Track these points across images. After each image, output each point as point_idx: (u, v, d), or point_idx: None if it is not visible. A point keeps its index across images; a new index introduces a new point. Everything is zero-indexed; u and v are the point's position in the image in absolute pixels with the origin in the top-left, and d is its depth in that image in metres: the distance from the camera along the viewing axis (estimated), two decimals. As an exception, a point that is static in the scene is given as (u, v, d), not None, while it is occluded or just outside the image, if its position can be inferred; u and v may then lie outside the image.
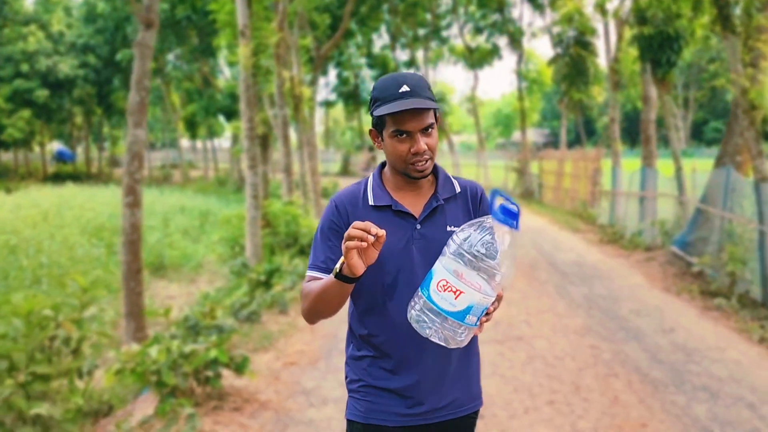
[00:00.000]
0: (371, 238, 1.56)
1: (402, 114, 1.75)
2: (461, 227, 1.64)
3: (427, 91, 1.80)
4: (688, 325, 6.59)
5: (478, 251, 1.55)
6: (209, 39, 31.71)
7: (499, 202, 1.61)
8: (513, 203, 1.61)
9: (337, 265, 1.67)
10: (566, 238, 12.74)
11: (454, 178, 1.99)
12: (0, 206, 19.33)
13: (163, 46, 32.58)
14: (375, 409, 1.89)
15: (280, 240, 10.85)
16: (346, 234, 1.59)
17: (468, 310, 1.58)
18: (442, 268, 1.58)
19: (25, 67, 34.20)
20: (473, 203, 1.95)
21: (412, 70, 36.54)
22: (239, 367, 4.82)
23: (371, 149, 24.19)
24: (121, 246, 6.23)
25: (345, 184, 23.16)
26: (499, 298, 1.68)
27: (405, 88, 1.76)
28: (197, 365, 4.66)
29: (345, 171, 38.70)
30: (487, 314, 1.64)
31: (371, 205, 1.88)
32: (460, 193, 1.95)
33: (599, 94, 18.62)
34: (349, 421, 1.95)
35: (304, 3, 16.98)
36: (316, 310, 1.82)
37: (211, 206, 22.91)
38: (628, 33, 12.42)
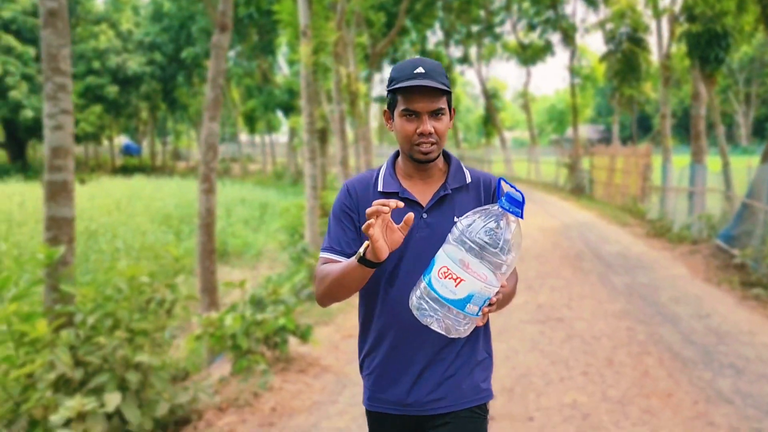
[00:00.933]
0: (386, 209, 1.57)
1: (412, 93, 1.77)
2: (465, 214, 1.64)
3: (442, 76, 1.80)
4: (724, 311, 6.91)
5: (481, 239, 1.55)
6: (269, 37, 32.75)
7: (505, 190, 1.61)
8: (518, 191, 1.60)
9: (361, 249, 1.67)
10: (613, 232, 13.00)
11: (468, 168, 1.98)
12: (77, 196, 20.40)
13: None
14: (377, 397, 1.92)
15: (337, 229, 11.49)
16: (366, 214, 1.61)
17: (468, 299, 1.57)
18: (445, 255, 1.58)
19: (96, 65, 35.88)
20: (486, 195, 1.93)
21: (465, 66, 36.76)
22: (304, 335, 5.43)
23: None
24: (198, 228, 6.92)
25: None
26: (504, 293, 1.68)
27: (420, 70, 1.77)
28: (267, 332, 5.28)
29: (398, 165, 39.21)
30: (489, 305, 1.62)
31: (380, 192, 1.89)
32: (471, 183, 1.92)
33: (652, 90, 18.61)
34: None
35: (361, 2, 17.55)
36: (332, 293, 1.83)
37: (269, 198, 23.81)
38: (679, 29, 12.58)
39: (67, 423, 3.71)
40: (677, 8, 13.01)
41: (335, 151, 15.26)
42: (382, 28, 22.44)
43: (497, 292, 1.62)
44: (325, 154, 16.91)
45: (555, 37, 26.16)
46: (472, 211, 1.63)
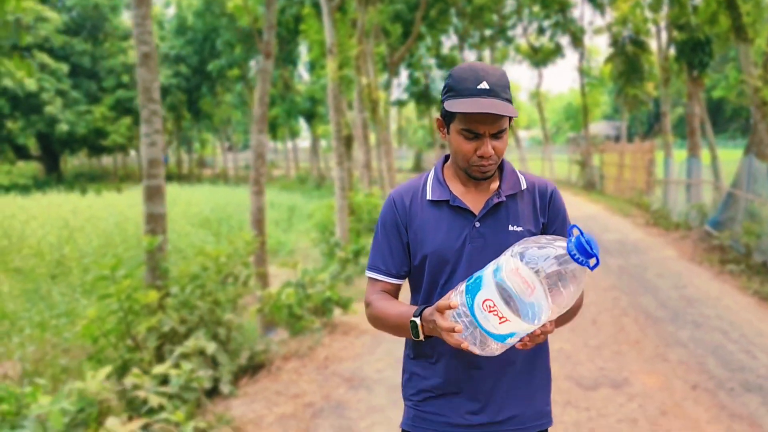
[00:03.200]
0: (456, 340, 1.47)
1: (475, 114, 1.63)
2: (527, 244, 1.47)
3: (507, 91, 1.67)
4: (699, 284, 8.09)
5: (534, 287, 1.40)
6: (289, 47, 34.13)
7: (575, 234, 1.45)
8: (591, 245, 1.42)
9: (418, 324, 1.60)
10: (616, 222, 14.15)
11: (522, 173, 1.86)
12: (116, 203, 21.95)
13: (248, 54, 35.20)
14: (425, 418, 1.82)
15: (364, 225, 12.79)
16: (438, 308, 1.50)
17: (510, 335, 1.46)
18: (493, 286, 1.43)
19: (125, 78, 37.57)
20: (542, 202, 1.82)
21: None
22: (345, 305, 6.72)
23: (443, 146, 25.80)
24: (250, 224, 8.23)
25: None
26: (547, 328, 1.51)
27: (484, 85, 1.63)
28: (316, 302, 6.59)
29: (417, 167, 40.49)
30: (532, 336, 1.49)
31: (429, 200, 1.79)
32: (526, 189, 1.81)
33: (654, 89, 19.69)
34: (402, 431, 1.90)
35: (379, 15, 18.85)
36: (384, 330, 1.80)
37: (295, 201, 25.19)
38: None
39: (177, 365, 5.02)
40: (665, 19, 14.14)
41: (358, 155, 16.55)
42: (399, 37, 23.75)
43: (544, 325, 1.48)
44: (351, 158, 18.22)
45: (564, 40, 27.26)
46: (537, 244, 1.45)
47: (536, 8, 28.29)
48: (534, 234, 1.77)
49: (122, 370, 5.46)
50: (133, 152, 52.98)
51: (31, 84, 34.89)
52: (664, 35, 16.41)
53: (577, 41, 25.14)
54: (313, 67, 27.09)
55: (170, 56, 40.40)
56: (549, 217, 1.82)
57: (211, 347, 5.04)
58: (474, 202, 1.78)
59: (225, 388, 4.77)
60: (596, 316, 6.79)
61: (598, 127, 45.20)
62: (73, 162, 56.49)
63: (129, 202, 22.03)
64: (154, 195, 5.95)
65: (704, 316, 6.66)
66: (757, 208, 9.67)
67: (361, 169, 16.13)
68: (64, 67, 35.85)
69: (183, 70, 40.74)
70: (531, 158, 32.92)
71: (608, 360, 5.45)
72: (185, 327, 5.21)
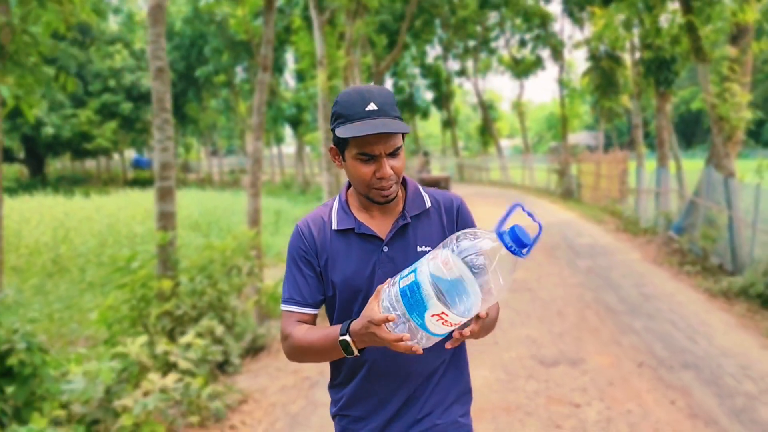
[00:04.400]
0: (406, 345, 1.45)
1: (367, 136, 1.61)
2: (461, 235, 1.47)
3: (395, 108, 1.67)
4: (658, 282, 8.87)
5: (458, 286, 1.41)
6: (276, 55, 34.78)
7: (512, 223, 1.47)
8: (537, 222, 1.53)
9: (349, 341, 1.56)
10: (589, 228, 14.97)
11: (426, 191, 1.86)
12: (106, 205, 22.38)
13: (235, 62, 35.81)
14: None
15: (350, 228, 13.47)
16: (376, 321, 1.46)
17: (450, 333, 1.51)
18: (436, 301, 1.42)
19: (112, 83, 38.00)
20: (448, 218, 1.82)
21: (462, 79, 38.68)
22: (335, 297, 7.40)
23: (426, 154, 26.60)
24: (248, 224, 8.89)
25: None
26: (484, 324, 1.57)
27: (372, 106, 1.62)
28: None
29: (400, 174, 41.10)
30: (461, 332, 1.51)
31: (335, 230, 1.77)
32: (431, 207, 1.82)
33: (629, 101, 20.60)
34: None
35: (365, 26, 19.60)
36: (308, 359, 1.77)
37: (282, 206, 25.78)
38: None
39: (188, 346, 5.68)
40: (636, 37, 15.02)
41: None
42: (384, 47, 24.53)
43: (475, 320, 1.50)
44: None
45: (545, 53, 28.20)
46: (463, 236, 1.46)
47: (518, 21, 29.24)
48: None
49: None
50: (116, 155, 53.33)
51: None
52: (637, 52, 17.31)
53: (557, 54, 26.06)
54: (301, 76, 27.75)
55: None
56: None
57: (219, 329, 5.70)
58: (380, 226, 1.77)
59: (235, 360, 5.44)
60: (562, 308, 7.53)
61: (579, 137, 46.20)
62: (55, 165, 56.72)
63: (118, 204, 22.50)
64: (165, 195, 6.60)
65: (658, 309, 7.42)
66: (714, 214, 10.49)
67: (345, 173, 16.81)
68: (51, 71, 36.10)
69: (169, 76, 41.26)
70: (512, 167, 33.80)
71: (568, 344, 6.18)
72: (196, 312, 5.87)
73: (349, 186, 1.85)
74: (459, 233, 1.48)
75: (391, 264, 1.73)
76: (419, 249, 1.75)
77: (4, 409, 3.54)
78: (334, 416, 1.91)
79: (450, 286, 1.41)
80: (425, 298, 1.42)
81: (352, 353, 1.58)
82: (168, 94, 6.66)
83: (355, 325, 1.54)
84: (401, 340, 1.44)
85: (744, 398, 4.84)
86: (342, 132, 1.63)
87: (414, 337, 1.47)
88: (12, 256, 13.36)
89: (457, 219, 1.83)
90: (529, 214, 1.51)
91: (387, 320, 1.44)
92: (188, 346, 4.76)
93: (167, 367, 4.43)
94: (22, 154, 43.00)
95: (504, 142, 52.39)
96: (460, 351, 1.88)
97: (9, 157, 42.13)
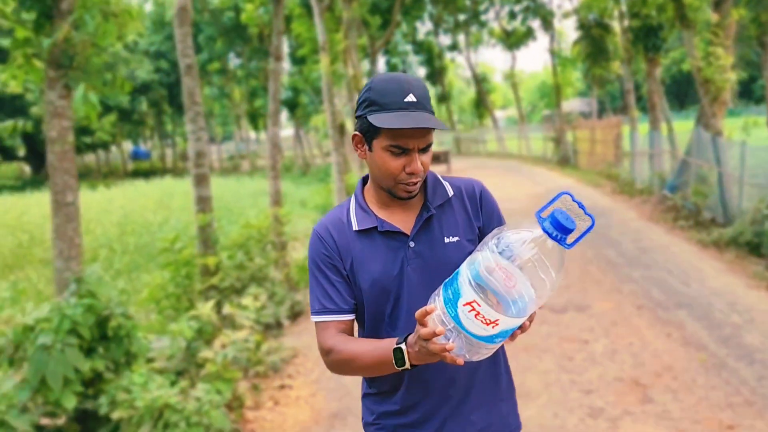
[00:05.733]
0: (441, 329, 1.35)
1: (404, 129, 1.53)
2: (500, 233, 1.37)
3: (430, 103, 1.60)
4: (654, 237, 9.57)
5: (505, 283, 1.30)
6: (271, 39, 35.18)
7: (556, 207, 1.36)
8: (587, 214, 1.39)
9: (404, 350, 1.46)
10: (587, 192, 15.64)
11: (446, 179, 1.79)
12: (113, 198, 23.00)
13: (228, 48, 36.19)
14: None
15: (359, 204, 14.15)
16: (422, 336, 1.37)
17: (499, 335, 1.36)
18: (472, 287, 1.33)
19: (108, 77, 38.25)
20: (472, 204, 1.75)
21: (454, 53, 38.91)
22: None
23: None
24: (269, 204, 9.54)
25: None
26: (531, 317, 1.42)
27: (411, 98, 1.55)
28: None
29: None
30: (521, 329, 1.41)
31: (356, 231, 1.69)
32: (454, 196, 1.74)
33: (619, 68, 21.17)
34: None
35: (359, 9, 20.10)
36: (354, 372, 1.66)
37: (285, 188, 26.41)
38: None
39: (225, 318, 6.36)
40: (624, 5, 15.58)
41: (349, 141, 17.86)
42: (378, 27, 25.00)
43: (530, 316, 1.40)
44: (344, 144, 19.57)
45: (535, 23, 28.67)
46: (505, 231, 1.37)
47: (507, -7, 29.68)
48: (472, 241, 1.70)
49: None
50: (114, 148, 53.78)
51: (15, 86, 35.54)
52: (626, 19, 17.87)
53: (547, 24, 26.55)
54: (296, 60, 28.22)
55: (150, 52, 41.20)
56: (483, 218, 1.75)
57: (263, 297, 6.38)
58: (403, 221, 1.70)
59: (284, 321, 6.12)
60: (566, 264, 8.21)
61: (572, 104, 46.76)
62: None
63: (126, 195, 23.13)
64: (201, 181, 7.25)
65: (654, 260, 8.12)
66: (705, 172, 11.16)
67: (352, 154, 17.43)
68: (12, 63, 36.39)
69: (163, 66, 41.55)
70: (508, 137, 34.39)
71: (575, 294, 6.88)
72: (240, 283, 6.55)
73: (364, 183, 1.77)
74: (496, 231, 1.39)
75: (419, 259, 1.66)
76: (446, 240, 1.68)
77: (107, 365, 4.22)
78: (370, 424, 1.81)
79: (499, 290, 1.30)
80: (460, 287, 1.35)
81: (404, 364, 1.47)
82: (198, 88, 7.27)
83: (411, 337, 1.46)
84: (434, 334, 1.36)
85: (731, 328, 5.54)
86: (378, 121, 1.53)
87: (462, 348, 1.38)
88: (39, 249, 14.00)
89: (481, 204, 1.75)
90: (580, 205, 1.39)
91: (435, 334, 1.36)
92: (245, 308, 5.44)
93: (232, 327, 5.11)
94: (22, 152, 43.43)
95: (498, 114, 52.90)
96: (500, 348, 1.76)
97: (9, 155, 42.58)
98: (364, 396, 1.84)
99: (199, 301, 6.75)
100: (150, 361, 4.55)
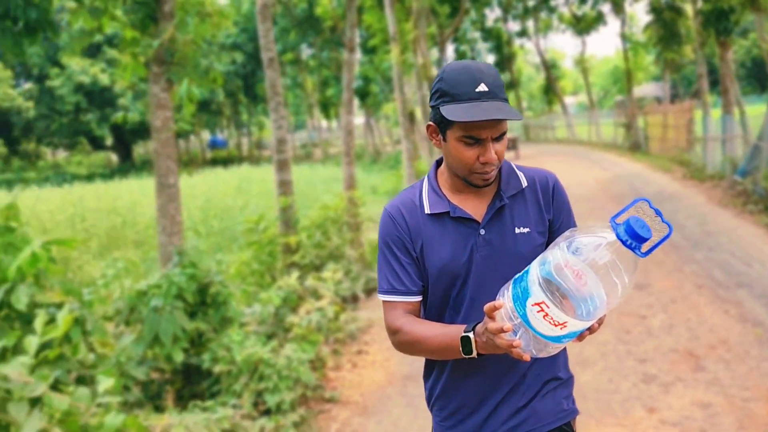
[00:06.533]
0: (509, 326, 1.39)
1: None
2: (573, 234, 1.37)
3: (503, 90, 1.60)
4: (721, 221, 9.63)
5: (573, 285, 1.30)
6: (343, 30, 35.89)
7: (632, 214, 1.36)
8: (664, 221, 1.40)
9: (472, 339, 1.50)
10: (657, 177, 15.58)
11: (521, 169, 1.78)
12: (195, 185, 24.11)
13: (301, 39, 37.10)
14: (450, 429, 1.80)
15: (428, 190, 14.61)
16: (491, 331, 1.41)
17: (567, 336, 1.38)
18: (541, 287, 1.34)
19: (203, 70, 39.83)
20: (545, 197, 1.74)
21: (523, 39, 38.81)
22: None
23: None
24: (344, 188, 10.09)
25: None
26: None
27: (482, 87, 1.55)
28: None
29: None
30: (590, 330, 1.42)
31: (427, 214, 1.71)
32: (527, 187, 1.74)
33: (692, 52, 20.76)
34: None
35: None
36: (420, 354, 1.72)
37: (356, 175, 27.12)
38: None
39: (307, 289, 6.91)
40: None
41: (421, 129, 18.31)
42: (447, 16, 25.26)
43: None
44: (416, 131, 20.07)
45: (606, 7, 28.26)
46: (578, 233, 1.36)
47: (578, -23, 29.34)
48: (542, 233, 1.73)
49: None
50: (192, 137, 55.84)
51: (104, 79, 37.62)
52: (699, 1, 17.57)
53: (618, 8, 26.16)
54: (366, 49, 28.82)
55: (227, 45, 42.57)
56: (554, 211, 1.75)
57: (339, 273, 6.92)
58: (475, 208, 1.71)
59: (361, 294, 6.65)
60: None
61: (646, 89, 45.57)
62: (138, 150, 59.91)
63: (207, 182, 24.26)
64: (283, 166, 7.85)
65: (718, 243, 8.25)
66: (777, 156, 11.07)
67: (421, 141, 17.87)
68: (122, 60, 38.20)
69: (238, 58, 42.88)
70: (578, 123, 34.05)
71: (637, 273, 7.12)
72: (319, 260, 7.11)
73: (437, 166, 1.79)
74: (568, 233, 1.39)
75: (488, 247, 1.67)
76: (517, 231, 1.69)
77: (208, 328, 4.83)
78: (431, 407, 1.88)
79: (576, 294, 1.31)
80: (530, 286, 1.36)
81: (471, 352, 1.51)
82: (279, 79, 7.85)
83: (480, 327, 1.49)
84: (502, 330, 1.38)
85: (789, 307, 5.73)
86: (450, 113, 1.55)
87: (528, 345, 1.40)
88: (131, 232, 15.04)
89: (554, 197, 1.75)
90: (657, 213, 1.40)
91: (503, 330, 1.38)
92: (325, 281, 5.98)
93: (315, 296, 5.67)
94: (109, 142, 45.74)
95: (568, 100, 52.12)
96: None
97: (99, 145, 44.89)
98: (425, 377, 1.88)
99: (281, 277, 7.37)
100: (243, 325, 5.14)
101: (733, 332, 5.25)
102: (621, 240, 1.31)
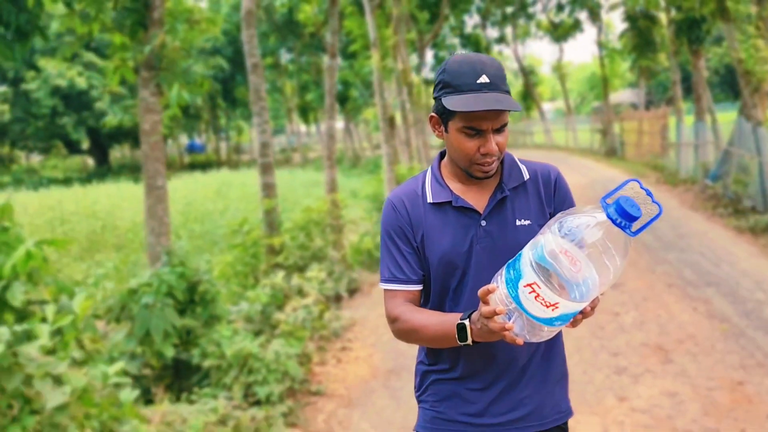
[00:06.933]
0: (502, 308, 1.41)
1: (477, 111, 1.55)
2: (563, 216, 1.39)
3: (506, 82, 1.61)
4: (692, 224, 9.95)
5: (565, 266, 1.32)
6: (322, 35, 36.06)
7: (621, 194, 1.36)
8: (654, 201, 1.39)
9: (467, 326, 1.53)
10: (632, 182, 15.94)
11: (523, 162, 1.79)
12: (175, 189, 24.03)
13: (281, 44, 37.22)
14: (441, 418, 1.79)
15: (409, 194, 14.80)
16: (484, 314, 1.44)
17: (559, 318, 1.39)
18: (533, 269, 1.36)
19: (190, 76, 39.72)
20: (546, 190, 1.75)
21: (502, 46, 39.38)
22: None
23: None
24: (326, 191, 10.25)
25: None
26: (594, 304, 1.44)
27: (484, 79, 1.56)
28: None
29: (446, 143, 42.08)
30: (582, 313, 1.42)
31: (430, 203, 1.72)
32: (529, 179, 1.75)
33: (666, 59, 21.26)
34: None
35: (407, 4, 20.70)
36: (417, 342, 1.74)
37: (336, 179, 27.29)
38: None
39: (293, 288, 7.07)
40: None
41: (400, 134, 18.55)
42: (426, 21, 25.55)
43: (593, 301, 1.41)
44: (395, 136, 20.31)
45: (583, 15, 28.77)
46: (568, 215, 1.38)
47: (555, -15, 29.81)
48: (542, 226, 1.65)
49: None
50: (170, 141, 55.54)
51: (81, 82, 37.41)
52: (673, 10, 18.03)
53: (594, 16, 26.68)
54: (346, 54, 29.02)
55: (206, 49, 42.52)
56: (555, 205, 1.76)
57: (322, 274, 7.08)
58: (477, 200, 1.72)
59: (344, 294, 6.82)
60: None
61: (622, 96, 46.32)
62: (114, 154, 59.47)
63: (188, 186, 24.27)
64: (267, 169, 7.99)
65: (689, 244, 8.55)
66: (746, 161, 11.42)
67: (401, 146, 18.09)
68: (111, 65, 38.02)
69: (218, 62, 42.83)
70: (555, 129, 34.54)
71: (611, 274, 7.39)
72: (303, 262, 7.27)
73: (441, 157, 1.81)
74: (560, 215, 1.41)
75: (489, 239, 1.68)
76: (518, 223, 1.70)
77: (197, 325, 4.97)
78: (422, 394, 1.86)
79: (563, 273, 1.33)
80: (522, 268, 1.39)
81: (466, 339, 1.53)
82: (263, 85, 8.01)
83: (475, 314, 1.51)
84: (495, 313, 1.40)
85: (754, 304, 6.00)
86: (451, 104, 1.57)
87: (523, 329, 1.42)
88: (111, 236, 15.05)
89: (555, 190, 1.76)
90: (648, 193, 1.40)
91: (495, 313, 1.40)
92: (309, 280, 6.15)
93: (300, 295, 5.83)
94: (86, 146, 45.40)
95: (546, 106, 52.74)
96: (558, 333, 1.79)
97: (75, 149, 44.53)
98: (420, 364, 1.87)
99: (265, 278, 7.51)
100: (230, 323, 5.29)
101: (700, 328, 5.51)
102: (611, 219, 1.32)
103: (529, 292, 1.36)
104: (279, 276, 5.52)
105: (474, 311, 1.54)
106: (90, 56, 37.72)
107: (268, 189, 8.00)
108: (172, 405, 3.78)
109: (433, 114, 1.71)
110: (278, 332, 5.04)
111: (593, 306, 1.43)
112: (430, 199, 1.72)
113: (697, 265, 7.50)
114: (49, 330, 2.60)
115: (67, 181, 32.79)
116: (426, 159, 20.18)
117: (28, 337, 2.39)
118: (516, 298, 1.38)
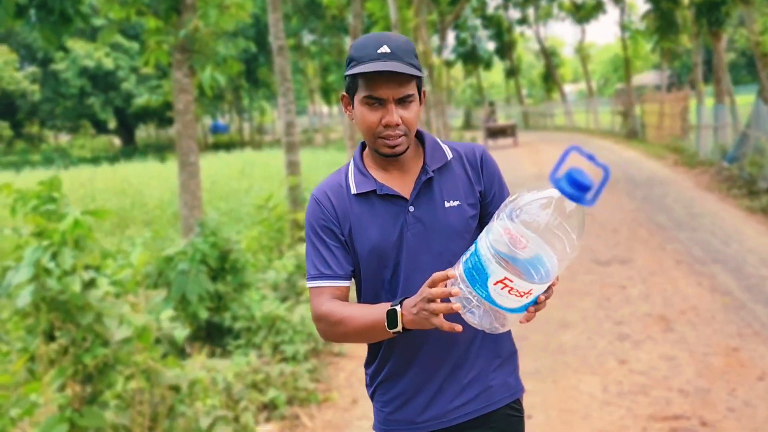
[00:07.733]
0: (457, 290, 1.37)
1: (376, 78, 1.54)
2: (512, 198, 1.37)
3: (411, 56, 1.59)
4: (706, 204, 10.16)
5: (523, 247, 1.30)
6: (344, 16, 36.24)
7: (568, 168, 1.32)
8: (601, 165, 1.36)
9: (398, 312, 1.47)
10: (650, 164, 16.10)
11: (446, 143, 1.77)
12: (201, 169, 24.49)
13: (303, 25, 37.46)
14: (390, 419, 1.76)
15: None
16: (427, 296, 1.39)
17: (530, 302, 1.39)
18: (498, 266, 1.32)
19: (221, 57, 40.20)
20: (473, 168, 1.73)
21: (524, 27, 39.15)
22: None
23: (491, 104, 27.65)
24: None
25: (468, 137, 26.55)
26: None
27: (385, 49, 1.55)
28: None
29: (467, 125, 42.31)
30: (537, 303, 1.42)
31: (354, 194, 1.67)
32: (453, 159, 1.72)
33: (688, 41, 21.22)
34: None
35: (430, -14, 20.86)
36: (346, 338, 1.68)
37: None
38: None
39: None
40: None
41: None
42: (448, 3, 25.68)
43: (548, 288, 1.41)
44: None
45: (606, -4, 28.66)
46: (520, 196, 1.36)
47: (578, -34, 29.69)
48: (473, 205, 1.71)
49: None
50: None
51: (108, 63, 38.02)
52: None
53: (617, -3, 26.59)
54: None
55: (229, 32, 42.86)
56: (484, 183, 1.73)
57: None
58: (402, 186, 1.68)
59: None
60: (617, 226, 8.98)
61: (646, 78, 45.93)
62: (140, 134, 60.30)
63: (212, 165, 24.73)
64: (292, 147, 8.35)
65: (702, 224, 8.78)
66: (763, 143, 11.56)
67: (421, 127, 18.37)
68: (136, 45, 38.65)
69: (241, 43, 43.18)
70: (576, 111, 34.50)
71: (620, 250, 7.67)
72: (325, 235, 7.62)
73: (363, 147, 1.76)
74: (510, 198, 1.38)
75: (419, 225, 1.65)
76: (447, 205, 1.67)
77: (228, 291, 5.37)
78: (372, 396, 1.83)
79: (521, 258, 1.31)
80: (485, 265, 1.34)
81: (396, 326, 1.47)
82: (288, 66, 8.34)
83: (410, 300, 1.47)
84: (450, 294, 1.37)
85: (758, 279, 6.26)
86: (350, 71, 1.59)
87: (493, 320, 1.39)
88: (140, 212, 15.55)
89: (482, 168, 1.73)
90: (590, 157, 1.36)
91: (450, 294, 1.37)
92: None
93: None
94: (113, 125, 46.14)
95: (568, 87, 52.49)
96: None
97: (102, 129, 45.29)
98: (365, 365, 1.83)
99: (289, 251, 7.88)
100: (258, 290, 5.67)
101: (703, 300, 5.79)
102: (565, 194, 1.30)
103: (502, 288, 1.34)
104: (303, 248, 5.87)
105: (406, 297, 1.51)
106: (117, 37, 38.24)
107: (293, 166, 8.36)
108: (209, 359, 4.17)
109: (343, 94, 1.68)
110: (303, 299, 5.41)
111: (548, 296, 1.43)
112: (354, 190, 1.68)
113: (706, 243, 7.74)
114: (109, 281, 2.98)
115: (95, 160, 33.47)
116: (445, 140, 20.44)
117: (93, 284, 2.76)
118: (488, 298, 1.35)
